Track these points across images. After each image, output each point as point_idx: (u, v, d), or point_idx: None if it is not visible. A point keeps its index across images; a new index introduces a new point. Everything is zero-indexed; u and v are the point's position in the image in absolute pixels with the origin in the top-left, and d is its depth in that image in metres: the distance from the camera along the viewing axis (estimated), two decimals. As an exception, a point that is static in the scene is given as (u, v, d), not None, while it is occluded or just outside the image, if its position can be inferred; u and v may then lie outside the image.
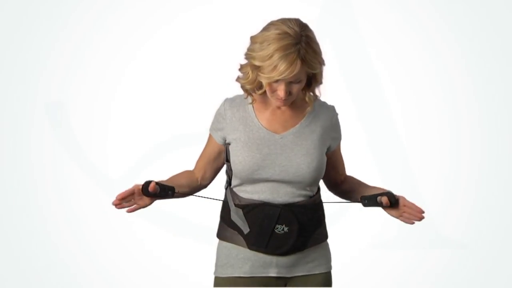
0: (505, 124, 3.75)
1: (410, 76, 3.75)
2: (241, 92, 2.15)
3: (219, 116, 2.17)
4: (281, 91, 2.01)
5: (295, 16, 2.08)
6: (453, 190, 3.75)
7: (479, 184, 3.75)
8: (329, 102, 2.26)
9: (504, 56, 3.74)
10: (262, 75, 1.98)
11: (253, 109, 2.15)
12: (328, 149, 2.19)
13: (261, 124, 2.13)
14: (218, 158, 2.21)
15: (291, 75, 1.96)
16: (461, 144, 3.76)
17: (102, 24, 3.71)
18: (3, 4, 3.69)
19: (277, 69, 1.94)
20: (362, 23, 3.69)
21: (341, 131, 2.23)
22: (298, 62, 1.95)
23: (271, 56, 1.94)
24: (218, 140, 2.18)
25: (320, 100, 2.18)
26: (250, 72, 2.02)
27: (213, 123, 2.20)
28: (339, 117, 2.23)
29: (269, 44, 1.95)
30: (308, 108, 2.12)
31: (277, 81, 1.99)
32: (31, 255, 3.67)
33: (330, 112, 2.19)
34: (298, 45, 1.95)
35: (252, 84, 2.05)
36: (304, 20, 2.11)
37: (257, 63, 1.98)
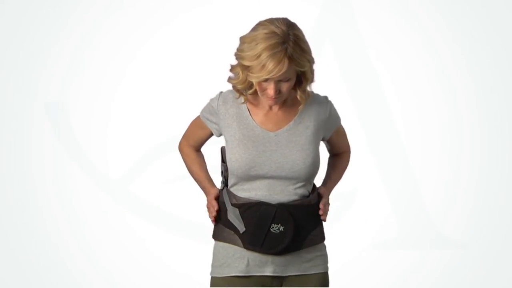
0: (505, 124, 3.75)
1: (410, 76, 3.75)
2: None
3: (212, 109, 2.19)
4: (270, 90, 2.03)
5: (295, 16, 2.10)
6: (453, 190, 3.75)
7: (479, 184, 3.74)
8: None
9: (504, 56, 3.74)
10: (251, 74, 2.01)
11: (247, 107, 2.16)
12: (323, 138, 2.21)
13: (255, 122, 2.15)
14: (208, 139, 2.31)
15: (280, 74, 1.99)
16: (461, 145, 3.76)
17: (102, 24, 3.71)
18: (3, 4, 3.69)
19: (266, 68, 1.97)
20: (362, 23, 3.69)
21: (338, 116, 2.24)
22: (286, 61, 1.98)
23: (259, 56, 1.97)
24: (215, 132, 2.22)
25: (312, 93, 2.18)
26: (240, 72, 2.05)
27: (205, 111, 2.22)
28: (334, 103, 2.24)
29: (257, 44, 1.98)
30: (301, 106, 2.14)
31: (266, 80, 2.02)
32: (31, 255, 3.67)
33: (323, 105, 2.19)
34: (286, 44, 1.98)
35: (243, 84, 2.08)
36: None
37: (246, 63, 2.00)
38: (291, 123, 2.15)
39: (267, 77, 1.99)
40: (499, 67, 3.74)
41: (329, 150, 2.34)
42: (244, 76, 2.04)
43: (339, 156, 2.34)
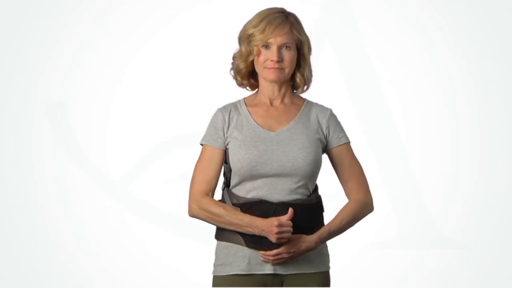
0: (505, 124, 3.75)
1: (410, 76, 3.75)
2: (236, 97, 2.23)
3: (217, 124, 2.19)
4: (273, 55, 2.11)
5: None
6: (453, 190, 3.75)
7: (479, 184, 3.74)
8: (329, 101, 2.27)
9: (504, 56, 3.74)
10: (254, 39, 2.12)
11: (247, 110, 2.19)
12: (328, 143, 2.20)
13: (257, 123, 2.17)
14: (221, 169, 2.21)
15: (282, 33, 2.11)
16: (461, 144, 3.76)
17: (102, 24, 3.71)
18: (3, 4, 3.69)
19: (268, 28, 2.11)
20: (362, 23, 3.69)
21: (342, 130, 2.23)
22: (287, 23, 2.13)
23: (262, 20, 2.13)
24: (223, 146, 2.18)
25: (316, 103, 2.23)
26: (243, 47, 2.16)
27: (208, 134, 2.20)
28: (339, 119, 2.24)
29: (259, 15, 2.15)
30: (299, 90, 2.19)
31: (269, 47, 2.12)
32: (31, 255, 3.67)
33: (325, 111, 2.22)
34: (286, 13, 2.16)
35: (246, 60, 2.16)
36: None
37: (249, 31, 2.14)
38: (291, 122, 2.17)
39: (270, 36, 2.10)
40: (499, 67, 3.75)
41: (339, 179, 2.23)
42: (248, 49, 2.14)
43: (348, 201, 2.22)
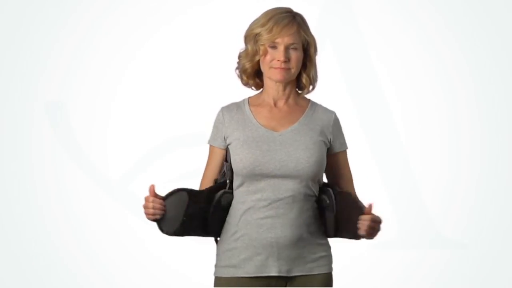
0: (505, 124, 3.76)
1: (410, 76, 3.75)
2: (237, 97, 2.22)
3: (218, 124, 2.20)
4: (280, 54, 2.10)
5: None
6: (453, 190, 3.76)
7: (479, 184, 3.75)
8: (330, 102, 2.27)
9: (504, 56, 3.74)
10: (261, 38, 2.11)
11: (250, 110, 2.18)
12: (331, 148, 2.20)
13: (260, 124, 2.16)
14: (221, 167, 2.23)
15: (289, 34, 2.09)
16: (461, 145, 3.76)
17: (102, 24, 3.72)
18: (3, 4, 3.69)
19: (276, 28, 2.10)
20: (362, 23, 3.69)
21: (345, 139, 2.23)
22: (294, 24, 2.11)
23: (269, 20, 2.11)
24: (221, 145, 2.19)
25: (320, 104, 2.23)
26: (249, 47, 2.14)
27: (211, 134, 2.21)
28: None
29: (266, 15, 2.13)
30: (304, 91, 2.18)
31: (275, 47, 2.10)
32: (31, 255, 3.67)
33: (329, 113, 2.21)
34: (293, 14, 2.14)
35: (252, 60, 2.14)
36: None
37: (256, 30, 2.12)
38: (295, 124, 2.16)
39: (277, 36, 2.09)
40: (499, 67, 3.75)
41: (327, 176, 2.23)
42: (253, 49, 2.13)
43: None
